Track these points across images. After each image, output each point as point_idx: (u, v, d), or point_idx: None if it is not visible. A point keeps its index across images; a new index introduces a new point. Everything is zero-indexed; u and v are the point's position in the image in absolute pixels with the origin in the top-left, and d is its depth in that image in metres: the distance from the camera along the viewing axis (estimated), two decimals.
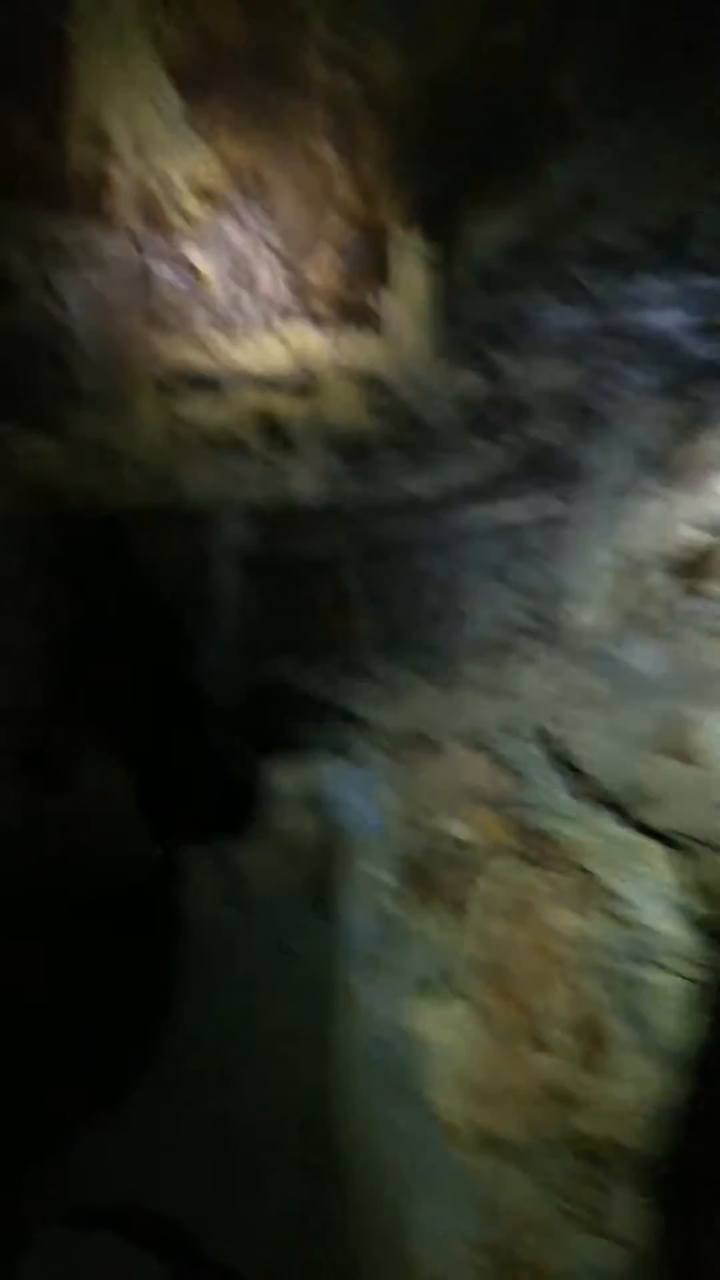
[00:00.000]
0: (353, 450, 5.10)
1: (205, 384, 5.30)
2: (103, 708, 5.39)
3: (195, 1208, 2.36)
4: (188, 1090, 2.68)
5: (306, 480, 5.06)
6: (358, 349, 5.38)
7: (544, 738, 2.48)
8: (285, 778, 3.33)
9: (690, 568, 2.85)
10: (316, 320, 5.52)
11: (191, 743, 5.69)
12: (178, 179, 5.79)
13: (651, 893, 1.89)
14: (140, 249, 5.17)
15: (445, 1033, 1.67)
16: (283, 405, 5.20)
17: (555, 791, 2.23)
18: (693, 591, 2.82)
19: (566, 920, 1.78)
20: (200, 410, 5.17)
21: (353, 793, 2.47)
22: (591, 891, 1.85)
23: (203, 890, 3.35)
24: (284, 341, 5.34)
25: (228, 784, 5.24)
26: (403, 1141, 1.61)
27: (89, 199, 5.58)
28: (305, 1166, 2.48)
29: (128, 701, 5.64)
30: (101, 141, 5.66)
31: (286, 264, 5.67)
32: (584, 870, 1.91)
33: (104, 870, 3.31)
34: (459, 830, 2.06)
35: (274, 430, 5.15)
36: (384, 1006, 1.85)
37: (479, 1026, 1.66)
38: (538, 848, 2.00)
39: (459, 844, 2.04)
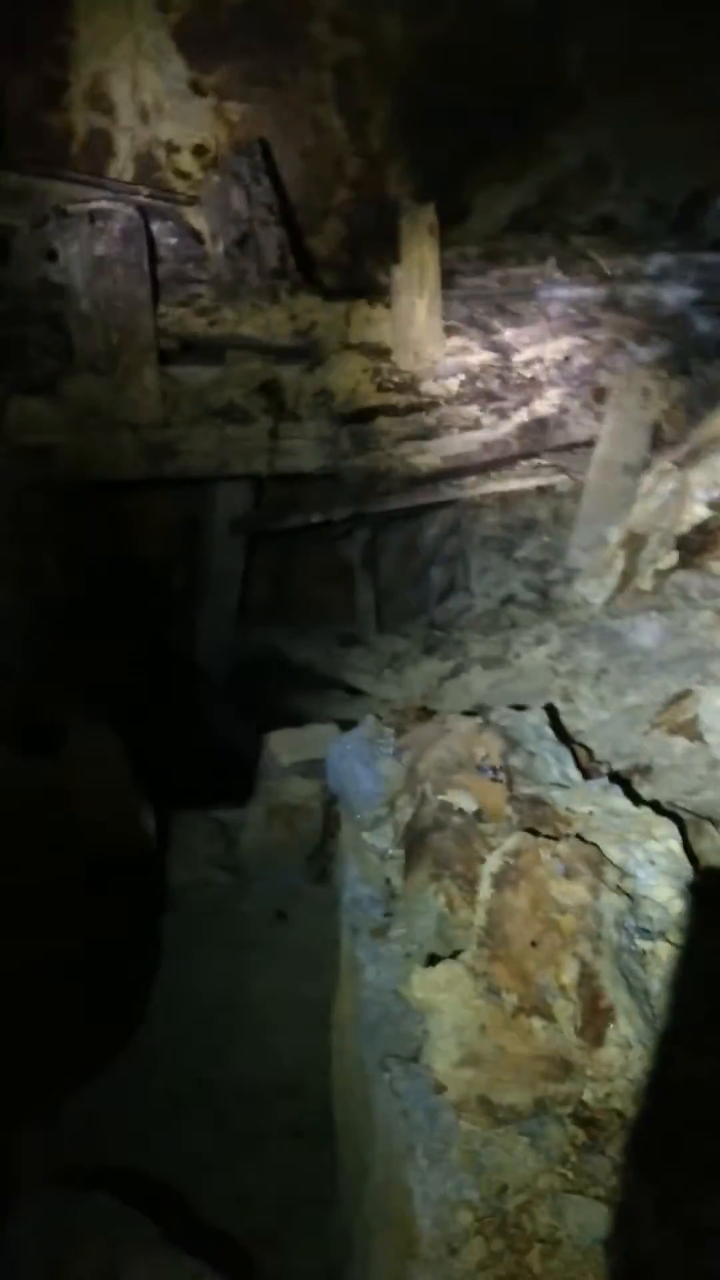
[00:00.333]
0: (356, 421, 5.08)
1: (208, 352, 5.27)
2: (93, 673, 5.38)
3: (185, 1171, 2.37)
4: (177, 1053, 2.70)
5: (309, 450, 5.04)
6: (364, 320, 5.36)
7: (548, 711, 2.48)
8: (282, 747, 3.33)
9: (698, 545, 2.86)
10: (323, 291, 5.49)
11: (183, 710, 5.69)
12: (182, 144, 5.76)
13: (651, 864, 1.90)
14: (143, 214, 5.13)
15: (448, 1001, 1.67)
16: (287, 375, 5.18)
17: (558, 765, 2.23)
18: (699, 569, 2.82)
19: (568, 891, 1.78)
20: (202, 378, 5.14)
21: (353, 763, 2.46)
22: (593, 862, 1.85)
23: (195, 855, 3.35)
24: (289, 312, 5.31)
25: (221, 753, 5.23)
26: (403, 1109, 1.61)
27: (91, 163, 5.55)
28: (296, 1131, 2.49)
29: (118, 667, 5.63)
30: (104, 105, 5.65)
31: (294, 234, 5.63)
32: (586, 841, 1.92)
33: (99, 838, 3.31)
34: (462, 801, 2.07)
35: (277, 400, 5.13)
36: (386, 975, 1.85)
37: (481, 995, 1.66)
38: (541, 819, 2.00)
39: (462, 815, 2.04)
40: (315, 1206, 2.23)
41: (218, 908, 3.15)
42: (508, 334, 5.51)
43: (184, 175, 5.79)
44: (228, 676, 5.74)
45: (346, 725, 2.96)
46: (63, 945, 2.80)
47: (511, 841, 1.85)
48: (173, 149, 5.77)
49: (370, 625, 5.30)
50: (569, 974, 1.67)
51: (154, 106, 5.69)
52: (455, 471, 5.02)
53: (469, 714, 2.50)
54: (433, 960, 1.80)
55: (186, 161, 5.79)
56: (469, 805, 2.06)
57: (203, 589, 5.59)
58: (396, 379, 5.27)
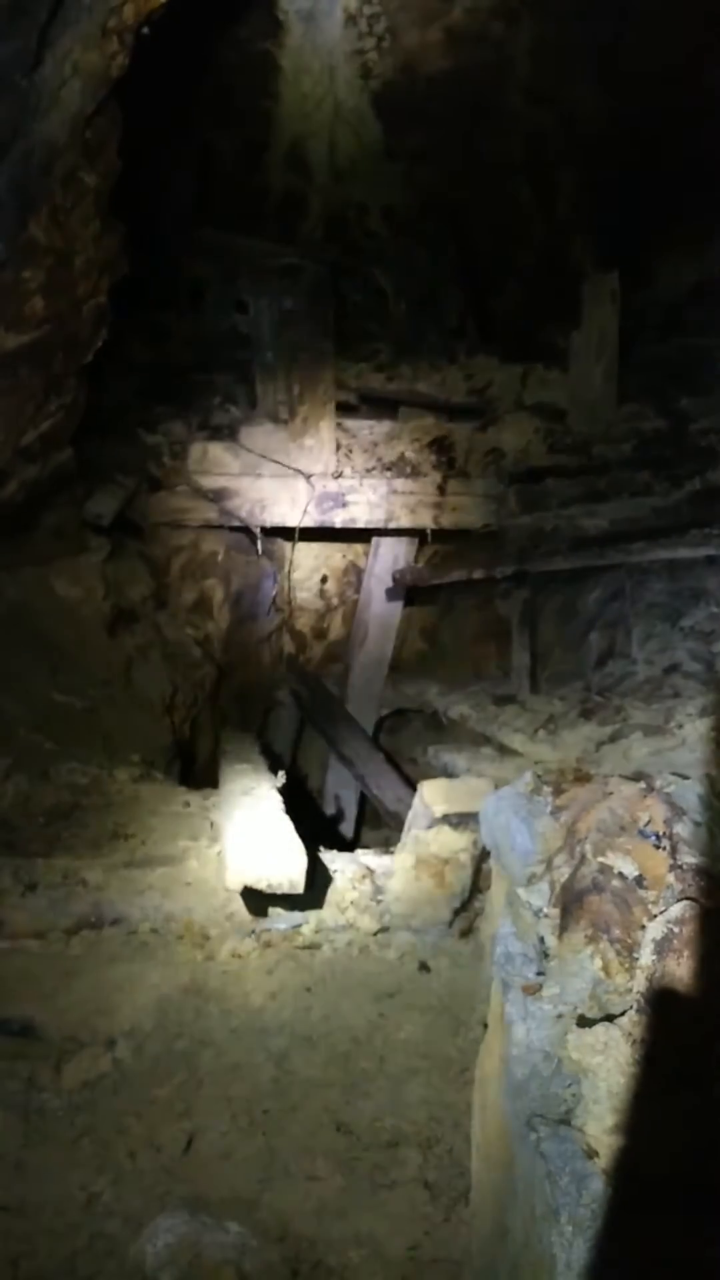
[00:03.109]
0: (525, 481, 5.11)
1: (383, 406, 5.39)
2: (249, 711, 5.49)
3: (313, 1211, 2.37)
4: (311, 1093, 2.70)
5: (475, 507, 5.09)
6: (540, 382, 5.40)
7: (709, 780, 2.43)
8: (436, 796, 3.34)
9: None
10: (501, 352, 5.56)
11: (332, 753, 5.74)
12: (372, 206, 5.94)
13: None
14: (331, 272, 5.30)
15: (603, 1065, 1.64)
16: (459, 433, 5.25)
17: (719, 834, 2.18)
18: None
19: None
20: (376, 432, 5.26)
21: (510, 818, 2.45)
22: None
23: (342, 897, 3.38)
24: (466, 371, 5.39)
25: (370, 799, 5.25)
26: (548, 1171, 1.58)
27: (284, 221, 5.76)
28: (427, 1184, 2.46)
29: (274, 707, 5.73)
30: (301, 167, 5.85)
31: (475, 296, 5.73)
32: None
33: (251, 871, 3.36)
34: (623, 865, 2.04)
35: (448, 456, 5.20)
36: (537, 1034, 1.82)
37: (638, 1063, 1.63)
38: (705, 890, 1.96)
39: (622, 879, 2.01)
40: (446, 1265, 2.20)
41: (361, 952, 3.17)
42: (684, 402, 5.46)
43: (371, 235, 5.97)
44: (377, 723, 5.79)
45: (498, 783, 2.95)
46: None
47: (676, 909, 1.82)
48: (363, 210, 5.95)
49: (525, 685, 5.27)
50: None
51: (348, 169, 5.88)
52: (623, 536, 4.98)
53: (630, 779, 2.46)
54: (585, 1022, 1.77)
55: (375, 222, 5.97)
56: (630, 869, 2.03)
57: (359, 637, 5.67)
58: (569, 441, 5.29)
